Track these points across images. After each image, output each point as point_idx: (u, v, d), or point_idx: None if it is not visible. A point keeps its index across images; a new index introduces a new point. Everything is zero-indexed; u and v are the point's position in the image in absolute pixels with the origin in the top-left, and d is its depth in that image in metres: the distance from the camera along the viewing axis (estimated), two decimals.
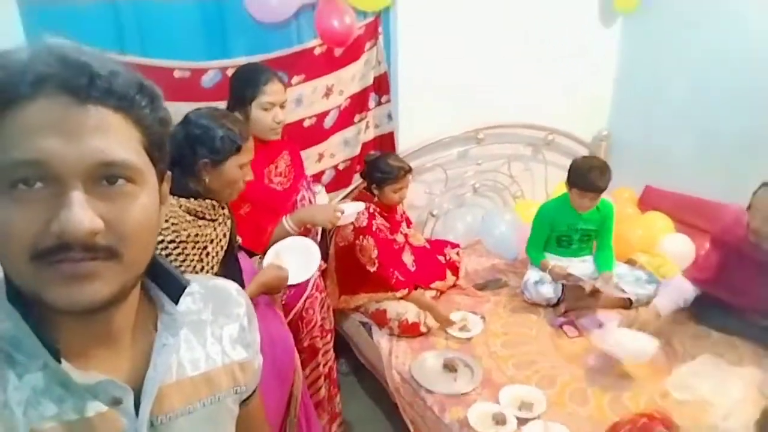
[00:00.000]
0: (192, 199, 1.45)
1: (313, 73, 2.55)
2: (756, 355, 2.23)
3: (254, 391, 0.79)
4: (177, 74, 2.24)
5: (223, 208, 1.56)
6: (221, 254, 1.47)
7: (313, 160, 2.72)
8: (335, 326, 2.33)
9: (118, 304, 0.58)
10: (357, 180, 2.88)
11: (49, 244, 0.50)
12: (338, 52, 2.58)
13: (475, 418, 1.85)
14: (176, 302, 0.66)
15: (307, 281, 2.01)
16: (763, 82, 2.77)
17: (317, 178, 2.76)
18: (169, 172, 0.65)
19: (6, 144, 0.50)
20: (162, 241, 1.35)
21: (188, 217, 1.43)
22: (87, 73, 0.51)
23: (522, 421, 1.83)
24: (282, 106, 1.99)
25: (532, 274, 2.57)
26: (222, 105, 2.32)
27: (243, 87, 1.90)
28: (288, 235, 1.92)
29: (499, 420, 1.83)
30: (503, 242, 3.02)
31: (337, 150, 2.80)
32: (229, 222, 1.56)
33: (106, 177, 0.52)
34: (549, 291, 2.51)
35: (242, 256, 1.65)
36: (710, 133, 3.05)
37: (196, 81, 2.28)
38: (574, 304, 2.50)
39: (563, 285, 2.52)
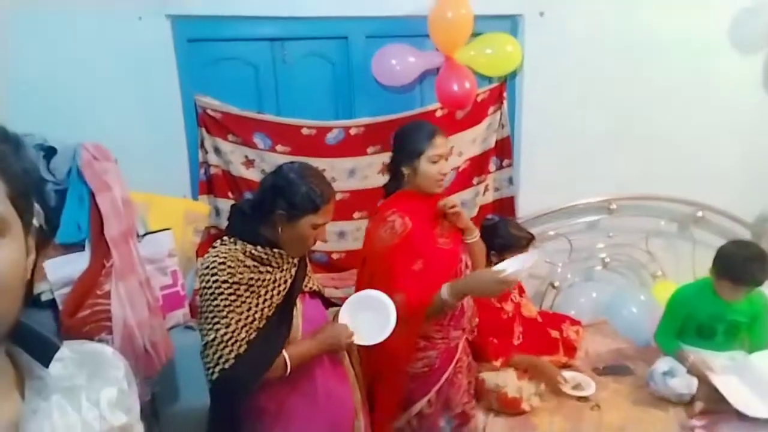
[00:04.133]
0: (259, 247, 1.48)
1: None
2: None
3: None
4: (305, 131, 2.43)
5: (292, 258, 1.56)
6: (278, 299, 1.48)
7: None
8: None
9: None
10: None
11: None
12: (460, 114, 2.61)
13: None
14: (47, 365, 0.62)
15: (457, 345, 1.92)
16: None
17: None
18: (36, 225, 0.63)
19: None
20: (216, 281, 1.39)
21: (248, 262, 1.45)
22: None
23: None
24: (446, 159, 1.93)
25: (662, 364, 2.23)
26: (342, 161, 2.48)
27: (413, 141, 1.87)
28: (445, 306, 1.76)
29: None
30: (634, 325, 2.69)
31: None
32: (294, 270, 1.56)
33: None
34: (681, 385, 2.14)
35: (316, 304, 1.64)
36: None
37: (321, 138, 2.46)
38: (713, 405, 2.11)
39: (699, 380, 2.15)
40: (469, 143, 2.69)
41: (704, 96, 2.86)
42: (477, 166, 2.75)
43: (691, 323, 2.30)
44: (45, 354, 0.61)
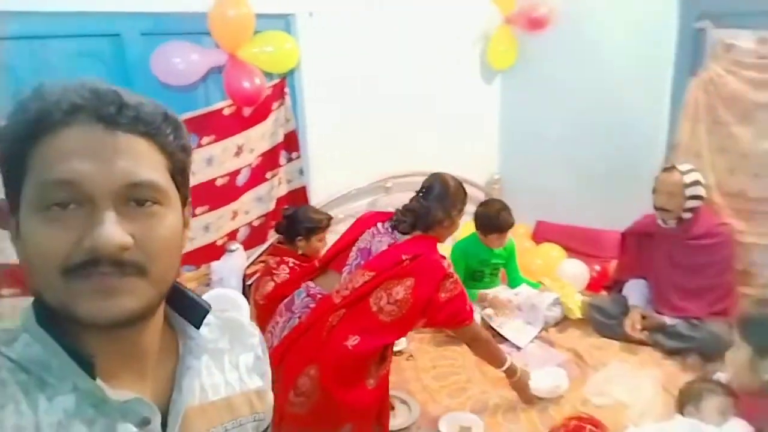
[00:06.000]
0: None
1: (223, 133, 2.60)
2: (652, 358, 2.50)
3: (268, 426, 0.80)
4: None
5: None
6: None
7: (228, 218, 2.72)
8: None
9: (144, 321, 0.60)
10: (273, 236, 2.90)
11: (81, 259, 0.53)
12: (247, 112, 2.65)
13: None
14: (198, 327, 0.68)
15: None
16: (624, 121, 3.22)
17: (232, 235, 2.76)
18: (190, 198, 0.67)
19: (43, 168, 0.54)
20: None
21: None
22: (117, 102, 0.56)
23: None
24: None
25: None
26: None
27: (463, 198, 2.05)
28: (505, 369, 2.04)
29: None
30: None
31: (251, 207, 2.82)
32: None
33: (135, 199, 0.56)
34: None
35: None
36: (587, 170, 3.45)
37: None
38: (493, 330, 2.66)
39: (482, 316, 2.68)
40: (258, 139, 2.75)
41: (443, 84, 3.44)
42: (269, 161, 2.84)
43: (467, 271, 2.84)
44: (196, 317, 0.68)
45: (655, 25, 3.02)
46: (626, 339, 2.60)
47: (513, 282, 2.92)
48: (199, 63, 2.41)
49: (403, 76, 3.21)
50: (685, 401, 1.46)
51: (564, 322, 2.80)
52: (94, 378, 0.56)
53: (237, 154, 2.67)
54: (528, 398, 2.10)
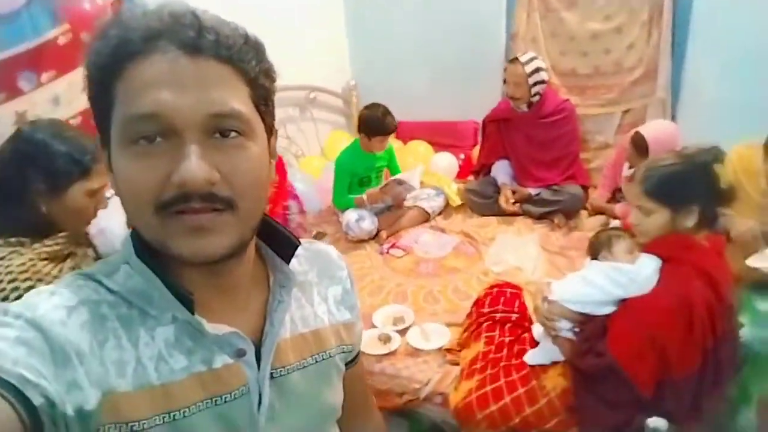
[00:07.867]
0: (45, 241, 1.22)
1: (65, 66, 2.23)
2: (526, 224, 2.88)
3: (358, 354, 0.82)
4: None
5: (78, 236, 1.34)
6: None
7: None
8: None
9: (237, 257, 0.59)
10: None
11: (171, 195, 0.52)
12: (87, 38, 2.29)
13: (364, 345, 2.01)
14: (288, 261, 0.67)
15: None
16: (466, 15, 3.40)
17: None
18: (277, 128, 0.64)
19: (127, 100, 0.52)
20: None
21: (53, 271, 1.21)
22: (196, 26, 0.53)
23: (402, 332, 2.07)
24: None
25: (351, 215, 2.80)
26: None
27: None
28: None
29: (385, 339, 2.03)
30: (306, 198, 3.15)
31: None
32: (90, 251, 1.37)
33: (220, 130, 0.54)
34: (369, 224, 2.78)
35: None
36: (438, 66, 3.62)
37: None
38: (390, 229, 2.83)
39: (378, 217, 2.82)
40: None
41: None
42: None
43: (354, 179, 2.91)
44: (285, 251, 0.67)
45: None
46: (502, 213, 2.94)
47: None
48: None
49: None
50: (598, 249, 1.73)
51: (446, 209, 3.07)
52: (192, 313, 0.57)
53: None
54: None
